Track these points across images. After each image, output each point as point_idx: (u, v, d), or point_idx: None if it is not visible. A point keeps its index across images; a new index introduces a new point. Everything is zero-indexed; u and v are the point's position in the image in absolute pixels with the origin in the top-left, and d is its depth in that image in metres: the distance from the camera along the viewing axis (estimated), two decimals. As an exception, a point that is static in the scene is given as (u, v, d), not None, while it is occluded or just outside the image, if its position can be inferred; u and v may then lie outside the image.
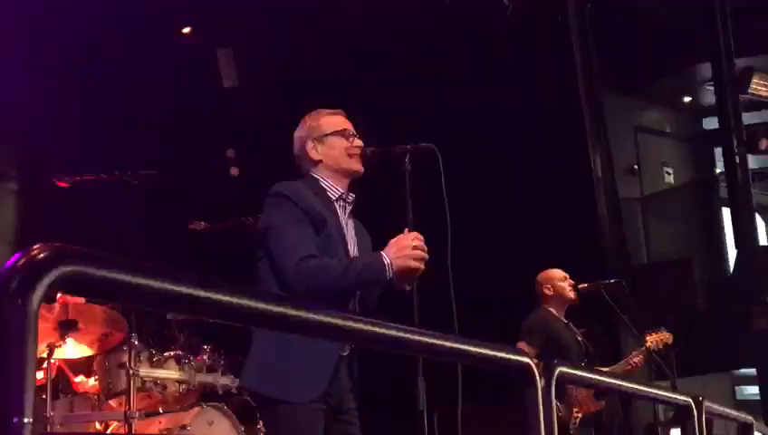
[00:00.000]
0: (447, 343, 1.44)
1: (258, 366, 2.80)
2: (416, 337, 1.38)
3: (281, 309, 1.18)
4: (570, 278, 5.32)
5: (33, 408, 0.83)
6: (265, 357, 2.78)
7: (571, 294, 5.24)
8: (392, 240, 2.74)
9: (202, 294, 0.99)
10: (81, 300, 4.55)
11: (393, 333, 1.36)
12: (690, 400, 2.37)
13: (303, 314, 1.21)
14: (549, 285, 5.27)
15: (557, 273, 5.32)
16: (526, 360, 1.56)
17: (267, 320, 1.23)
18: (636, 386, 2.32)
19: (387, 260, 2.69)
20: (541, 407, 1.54)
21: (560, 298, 5.24)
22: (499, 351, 1.60)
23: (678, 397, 2.47)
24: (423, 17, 8.01)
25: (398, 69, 8.33)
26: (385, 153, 2.93)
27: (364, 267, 2.72)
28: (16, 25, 6.78)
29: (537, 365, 1.56)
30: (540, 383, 1.55)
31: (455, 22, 8.03)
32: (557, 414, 4.94)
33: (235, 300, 1.05)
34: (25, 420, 0.81)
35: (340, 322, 1.28)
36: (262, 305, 1.14)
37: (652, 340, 5.27)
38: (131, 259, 0.92)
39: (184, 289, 0.97)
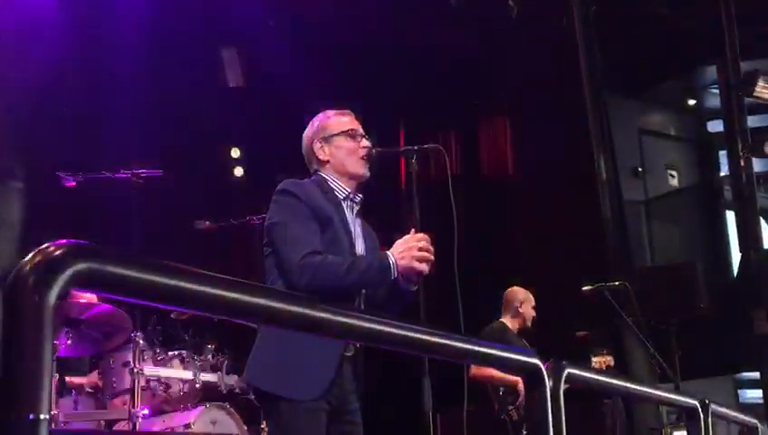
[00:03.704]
0: (458, 344, 1.43)
1: (261, 363, 2.79)
2: (426, 337, 1.38)
3: (290, 307, 1.18)
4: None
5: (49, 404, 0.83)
6: (269, 354, 2.77)
7: (530, 323, 5.59)
8: (398, 240, 2.74)
9: (218, 292, 0.99)
10: (88, 298, 4.56)
11: (403, 332, 1.36)
12: (697, 403, 2.37)
13: (310, 311, 1.21)
14: (521, 303, 5.58)
15: (532, 299, 5.64)
16: (535, 361, 1.56)
17: (276, 317, 1.23)
18: (643, 389, 2.32)
19: (392, 259, 2.69)
20: (549, 407, 1.54)
21: (523, 320, 5.57)
22: (508, 352, 1.60)
23: (685, 399, 2.47)
24: (427, 17, 8.01)
25: (402, 68, 8.33)
26: (392, 153, 2.93)
27: (368, 265, 2.71)
28: (17, 23, 6.78)
29: (546, 366, 1.56)
30: (549, 384, 1.55)
31: (459, 23, 8.03)
32: (518, 415, 5.01)
33: (248, 299, 1.05)
34: (42, 416, 0.81)
35: (347, 319, 1.28)
36: (271, 303, 1.14)
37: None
38: (147, 257, 0.92)
39: (200, 287, 0.97)
